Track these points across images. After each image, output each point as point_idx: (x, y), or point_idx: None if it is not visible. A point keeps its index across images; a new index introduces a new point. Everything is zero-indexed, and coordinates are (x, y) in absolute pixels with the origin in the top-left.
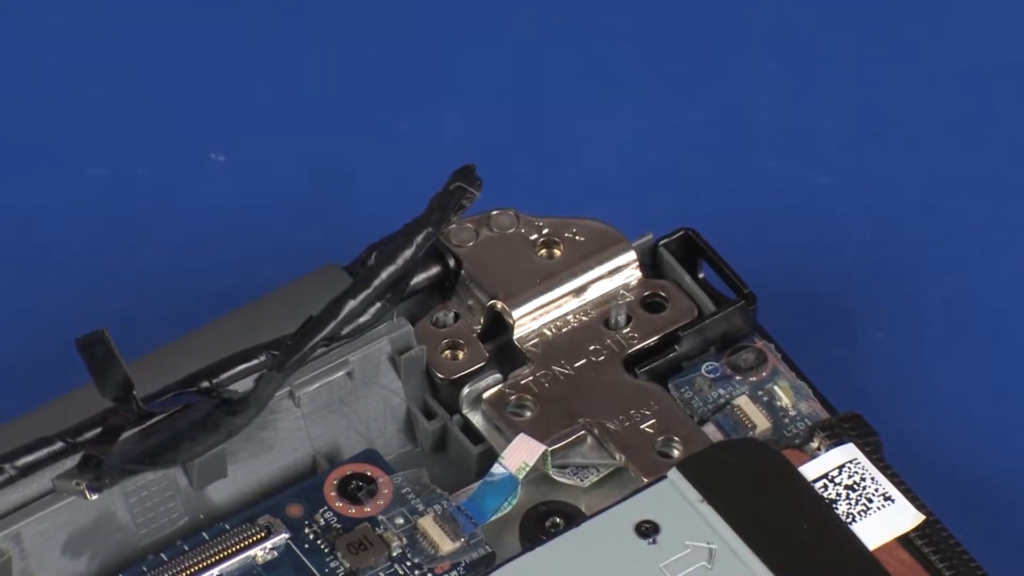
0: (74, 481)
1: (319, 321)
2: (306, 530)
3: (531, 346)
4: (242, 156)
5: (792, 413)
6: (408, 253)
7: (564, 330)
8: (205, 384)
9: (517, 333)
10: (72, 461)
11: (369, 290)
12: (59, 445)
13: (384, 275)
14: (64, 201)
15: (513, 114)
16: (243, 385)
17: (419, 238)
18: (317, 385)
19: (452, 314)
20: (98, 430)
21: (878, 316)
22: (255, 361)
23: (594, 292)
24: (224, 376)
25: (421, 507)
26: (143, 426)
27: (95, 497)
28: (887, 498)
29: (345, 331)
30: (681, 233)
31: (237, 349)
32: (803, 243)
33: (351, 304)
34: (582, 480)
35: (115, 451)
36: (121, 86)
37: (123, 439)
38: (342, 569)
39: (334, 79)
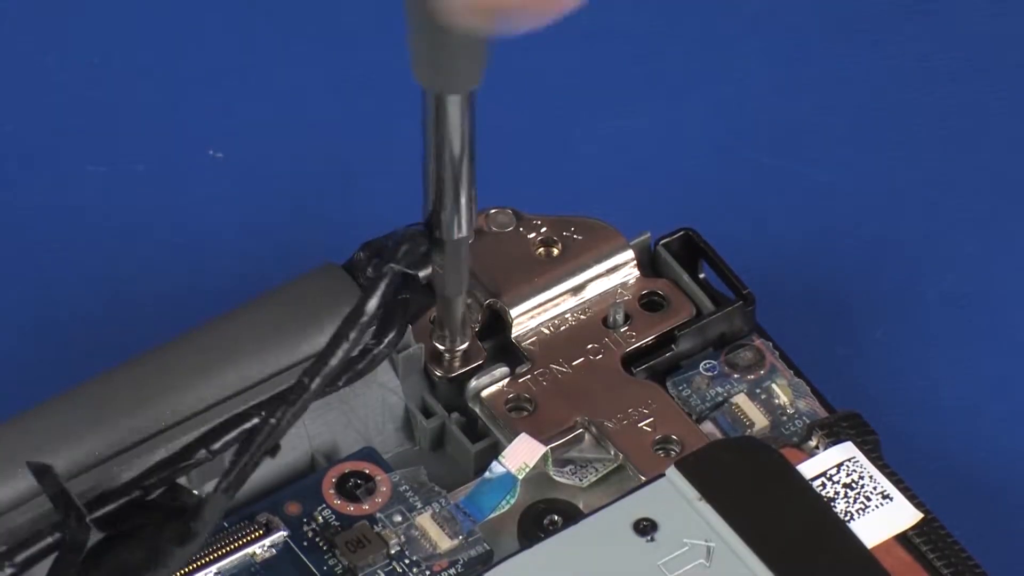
0: None
1: (254, 437)
2: (304, 528)
3: (529, 345)
4: (241, 153)
5: (790, 411)
6: (336, 360)
7: (562, 329)
8: (155, 480)
9: (515, 332)
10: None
11: (297, 406)
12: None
13: (317, 382)
14: (63, 198)
15: (512, 112)
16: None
17: (345, 346)
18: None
19: None
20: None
21: (877, 314)
22: (190, 460)
23: (592, 291)
24: (166, 473)
25: (419, 505)
26: (96, 555)
27: None
28: (885, 496)
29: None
30: (681, 233)
31: (232, 351)
32: (802, 241)
33: (288, 415)
34: (581, 480)
35: None
36: (120, 83)
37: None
38: (340, 567)
39: (334, 77)
